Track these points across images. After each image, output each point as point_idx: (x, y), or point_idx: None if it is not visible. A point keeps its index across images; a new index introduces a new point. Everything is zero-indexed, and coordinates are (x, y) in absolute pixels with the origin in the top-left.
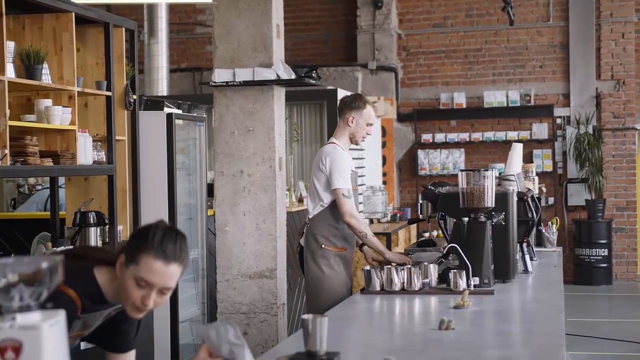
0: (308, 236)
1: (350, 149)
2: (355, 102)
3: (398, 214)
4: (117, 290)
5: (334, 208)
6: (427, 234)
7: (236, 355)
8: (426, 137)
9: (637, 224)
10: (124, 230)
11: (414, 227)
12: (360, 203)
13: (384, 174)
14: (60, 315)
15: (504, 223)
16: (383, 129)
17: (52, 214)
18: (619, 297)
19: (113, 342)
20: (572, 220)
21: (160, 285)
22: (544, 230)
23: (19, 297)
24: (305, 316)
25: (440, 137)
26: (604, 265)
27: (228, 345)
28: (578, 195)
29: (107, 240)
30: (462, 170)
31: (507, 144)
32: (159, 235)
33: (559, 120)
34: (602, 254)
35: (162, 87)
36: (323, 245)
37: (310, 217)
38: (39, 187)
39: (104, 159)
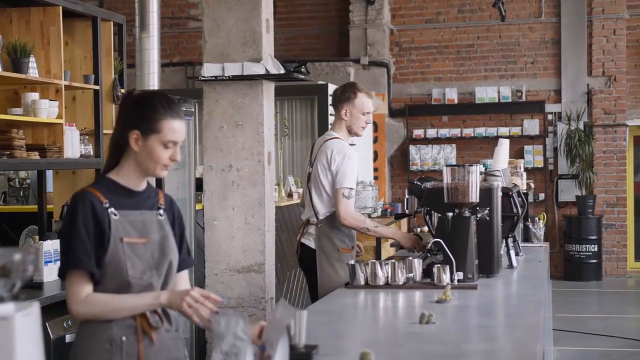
0: (321, 238)
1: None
2: (345, 93)
3: (389, 209)
4: (138, 165)
5: None
6: (418, 229)
7: (238, 350)
8: (418, 132)
9: (627, 220)
10: None
11: (404, 222)
12: None
13: (376, 169)
14: (34, 307)
15: (488, 218)
16: (375, 125)
17: (39, 208)
18: (609, 293)
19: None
20: (562, 216)
21: (182, 140)
22: (530, 226)
23: None
24: None
25: (432, 132)
26: (594, 261)
27: (232, 339)
28: (568, 191)
29: None
30: (447, 166)
31: (498, 140)
32: (161, 102)
33: (550, 116)
34: (592, 250)
35: (153, 82)
36: (340, 249)
37: (320, 217)
38: (29, 181)
39: (92, 153)
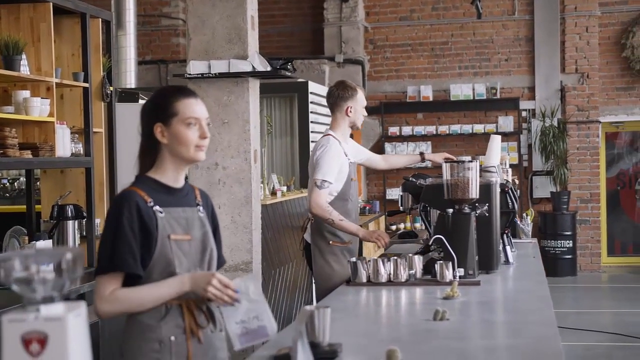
0: (314, 233)
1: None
2: (347, 91)
3: (367, 207)
4: (173, 155)
5: (337, 202)
6: (394, 227)
7: (256, 312)
8: (393, 130)
9: (601, 215)
10: (101, 223)
11: (382, 219)
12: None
13: None
14: (82, 307)
15: (487, 214)
16: None
17: (27, 208)
18: (584, 288)
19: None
20: (537, 212)
21: (203, 116)
22: (519, 222)
23: (42, 289)
24: (309, 307)
25: (407, 130)
26: (569, 256)
27: (247, 303)
28: (543, 188)
29: (84, 233)
30: (446, 162)
31: (473, 137)
32: (170, 88)
33: (524, 113)
34: (567, 246)
35: (130, 80)
36: (331, 242)
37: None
38: (5, 181)
39: (82, 151)
